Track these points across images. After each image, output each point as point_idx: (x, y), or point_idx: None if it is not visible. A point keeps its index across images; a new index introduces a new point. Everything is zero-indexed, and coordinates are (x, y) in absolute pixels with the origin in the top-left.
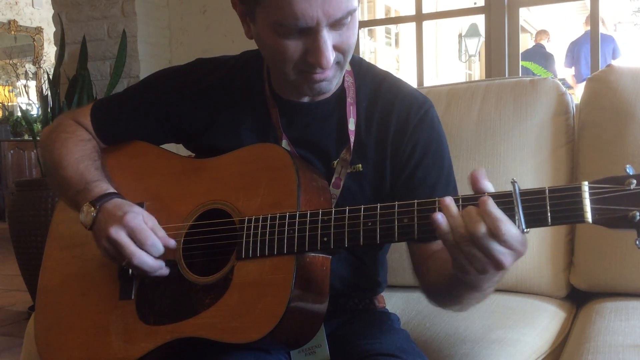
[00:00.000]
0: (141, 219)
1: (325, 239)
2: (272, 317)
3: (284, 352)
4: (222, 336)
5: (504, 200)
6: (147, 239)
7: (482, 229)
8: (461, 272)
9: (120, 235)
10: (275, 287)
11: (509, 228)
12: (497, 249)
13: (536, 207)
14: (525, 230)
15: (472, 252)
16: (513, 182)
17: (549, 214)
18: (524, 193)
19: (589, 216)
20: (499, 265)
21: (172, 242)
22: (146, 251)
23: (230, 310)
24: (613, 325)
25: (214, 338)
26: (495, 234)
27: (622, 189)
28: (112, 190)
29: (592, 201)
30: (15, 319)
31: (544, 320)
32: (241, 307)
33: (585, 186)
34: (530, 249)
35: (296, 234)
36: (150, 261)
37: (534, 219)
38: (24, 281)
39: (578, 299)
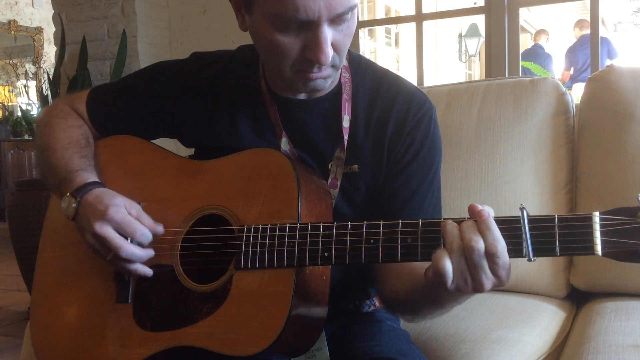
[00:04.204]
0: (124, 211)
1: (327, 254)
2: (272, 331)
3: (285, 357)
4: (221, 347)
5: (512, 227)
6: (135, 230)
7: (479, 244)
8: (438, 285)
9: (105, 229)
10: (275, 300)
11: (505, 252)
12: (485, 270)
13: (545, 236)
14: (532, 259)
15: (459, 267)
16: (522, 209)
17: (557, 244)
18: (532, 220)
19: (599, 249)
20: (478, 287)
21: (159, 229)
22: (137, 241)
23: (228, 321)
24: (613, 325)
25: (212, 349)
26: (491, 252)
27: (634, 221)
28: (93, 179)
29: (603, 233)
30: (15, 319)
31: (544, 320)
32: (240, 318)
33: (596, 217)
34: None
35: (296, 247)
36: (138, 252)
37: (542, 248)
38: (24, 281)
39: (578, 299)
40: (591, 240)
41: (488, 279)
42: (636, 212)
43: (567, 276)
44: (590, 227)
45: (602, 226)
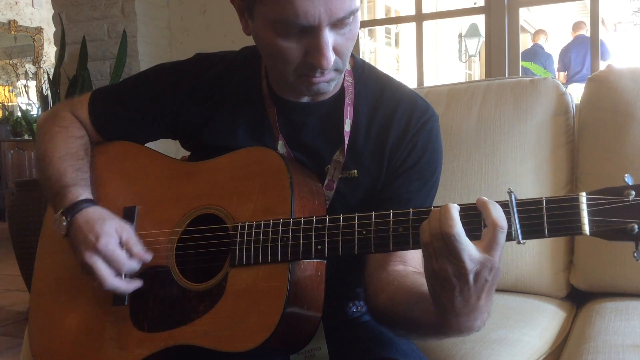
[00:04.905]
0: (114, 242)
1: (320, 247)
2: (267, 326)
3: (283, 356)
4: (217, 345)
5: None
6: (122, 266)
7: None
8: (432, 280)
9: (93, 260)
10: (270, 295)
11: (466, 247)
12: (447, 255)
13: (533, 218)
14: (522, 241)
15: (439, 251)
16: (509, 192)
17: (545, 226)
18: (520, 203)
19: (586, 228)
20: (456, 271)
21: (147, 257)
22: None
23: (224, 319)
24: (613, 326)
25: (209, 346)
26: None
27: (621, 200)
28: (84, 196)
29: (590, 213)
30: (15, 319)
31: (544, 320)
32: (236, 315)
33: (583, 197)
34: (530, 248)
35: (290, 242)
36: (121, 286)
37: (531, 230)
38: (24, 281)
39: (578, 299)
40: (579, 221)
41: (451, 263)
42: (622, 191)
43: (567, 276)
44: (577, 207)
45: (589, 206)
